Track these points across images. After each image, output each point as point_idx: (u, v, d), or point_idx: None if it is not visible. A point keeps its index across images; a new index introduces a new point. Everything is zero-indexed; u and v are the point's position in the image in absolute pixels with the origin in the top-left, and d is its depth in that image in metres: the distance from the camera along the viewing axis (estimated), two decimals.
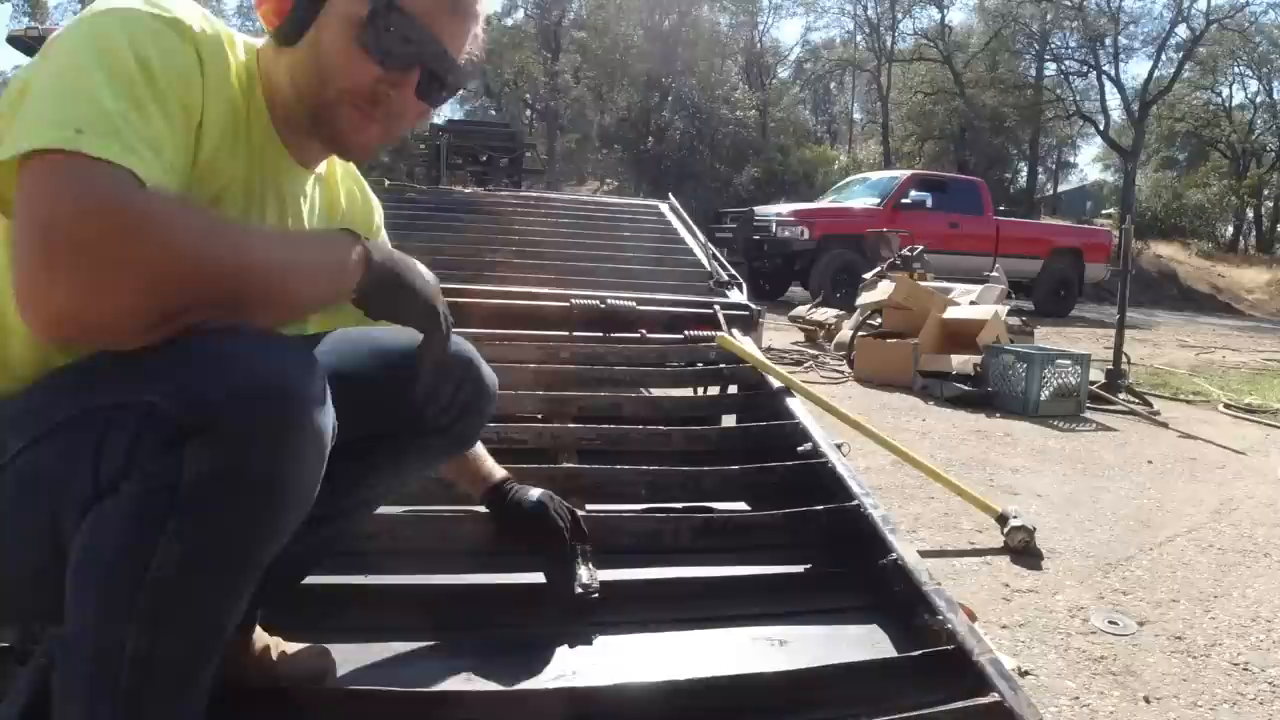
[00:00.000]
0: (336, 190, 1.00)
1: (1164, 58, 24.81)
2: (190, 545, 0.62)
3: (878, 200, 10.33)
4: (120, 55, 0.67)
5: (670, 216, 3.74)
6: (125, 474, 0.62)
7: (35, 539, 0.66)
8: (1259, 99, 26.57)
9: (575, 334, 2.32)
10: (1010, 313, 5.43)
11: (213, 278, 0.64)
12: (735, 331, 2.34)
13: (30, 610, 0.79)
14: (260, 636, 0.99)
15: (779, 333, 6.50)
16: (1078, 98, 26.17)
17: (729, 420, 2.17)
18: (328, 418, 0.68)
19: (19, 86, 0.69)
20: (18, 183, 0.63)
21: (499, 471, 1.22)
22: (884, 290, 5.42)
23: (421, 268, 0.86)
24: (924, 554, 1.72)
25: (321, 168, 0.94)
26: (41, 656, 0.90)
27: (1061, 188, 32.85)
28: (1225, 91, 26.91)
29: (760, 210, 10.67)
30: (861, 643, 1.18)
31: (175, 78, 0.70)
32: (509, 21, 24.02)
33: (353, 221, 1.02)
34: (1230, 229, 27.21)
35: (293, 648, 1.00)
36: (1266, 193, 26.44)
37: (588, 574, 1.21)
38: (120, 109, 0.64)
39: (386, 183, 4.74)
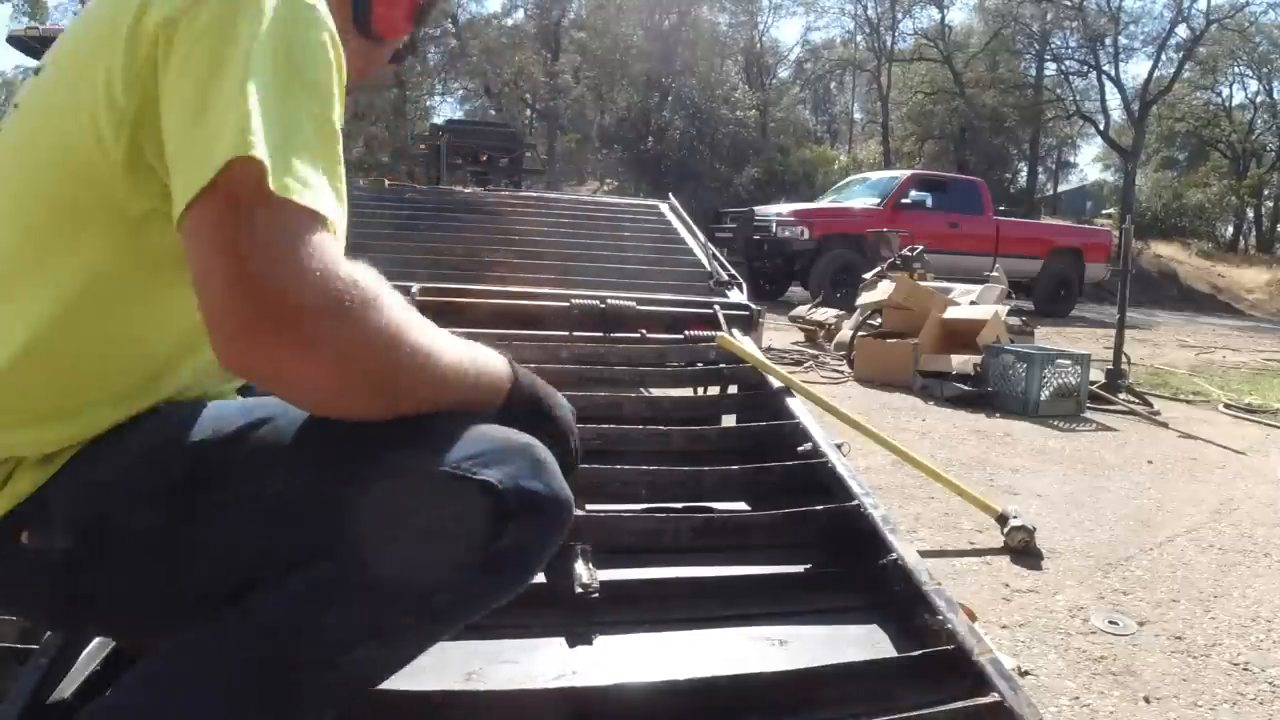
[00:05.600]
0: None
1: (1164, 58, 24.82)
2: (468, 596, 0.72)
3: (878, 200, 10.34)
4: (320, 67, 0.66)
5: (670, 216, 3.74)
6: (436, 528, 0.68)
7: (269, 557, 0.68)
8: (1259, 99, 26.60)
9: (575, 334, 2.31)
10: (1010, 313, 5.43)
11: (400, 370, 0.66)
12: (735, 331, 2.34)
13: (158, 619, 0.76)
14: None
15: (779, 333, 6.50)
16: (1078, 98, 26.15)
17: (729, 420, 2.16)
18: None
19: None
20: (211, 193, 0.59)
21: None
22: (884, 290, 5.42)
23: (561, 398, 0.88)
24: (924, 554, 1.72)
25: None
26: (41, 656, 0.90)
27: (1061, 188, 32.83)
28: (1225, 91, 26.96)
29: (760, 210, 10.68)
30: (861, 643, 1.17)
31: (337, 80, 0.68)
32: (509, 21, 23.99)
33: None
34: (1230, 229, 27.23)
35: None
36: (1266, 193, 26.46)
37: (588, 574, 1.21)
38: (314, 139, 0.63)
39: (386, 183, 4.75)
